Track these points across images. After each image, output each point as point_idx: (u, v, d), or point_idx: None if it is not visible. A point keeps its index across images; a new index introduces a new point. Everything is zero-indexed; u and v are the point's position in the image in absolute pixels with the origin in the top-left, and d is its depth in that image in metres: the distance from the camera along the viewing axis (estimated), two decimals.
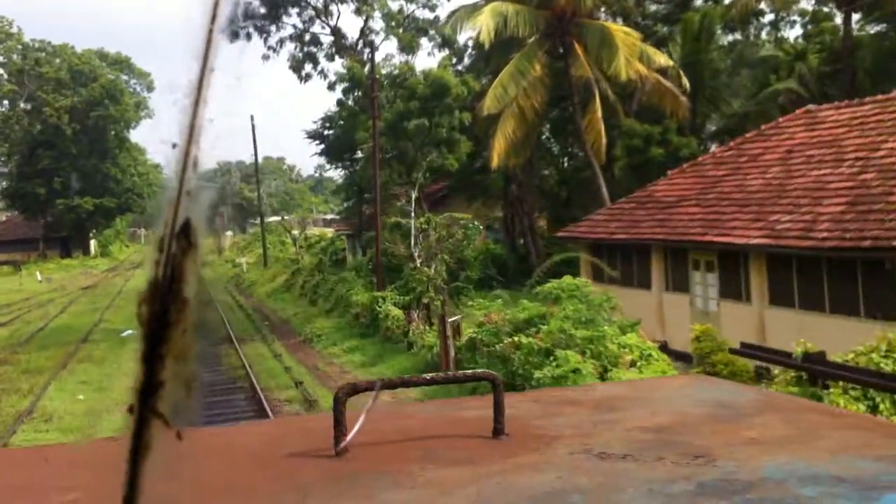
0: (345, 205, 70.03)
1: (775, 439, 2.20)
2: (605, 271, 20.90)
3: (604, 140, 31.45)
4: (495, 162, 31.73)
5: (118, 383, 24.85)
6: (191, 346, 0.83)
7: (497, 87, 31.07)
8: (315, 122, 55.67)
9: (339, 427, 2.12)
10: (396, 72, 33.58)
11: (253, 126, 62.45)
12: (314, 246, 69.61)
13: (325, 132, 55.52)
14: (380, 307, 27.51)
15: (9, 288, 63.20)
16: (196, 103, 0.81)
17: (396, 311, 26.14)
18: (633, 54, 30.33)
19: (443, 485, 1.89)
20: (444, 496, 1.79)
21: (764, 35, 48.50)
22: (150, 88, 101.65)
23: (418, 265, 27.53)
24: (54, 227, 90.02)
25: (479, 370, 2.41)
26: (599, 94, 31.85)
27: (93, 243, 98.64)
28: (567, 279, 17.03)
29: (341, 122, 54.33)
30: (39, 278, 68.54)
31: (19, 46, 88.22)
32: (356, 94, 35.10)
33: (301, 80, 38.22)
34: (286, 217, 76.44)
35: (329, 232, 77.48)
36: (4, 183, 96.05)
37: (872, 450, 2.07)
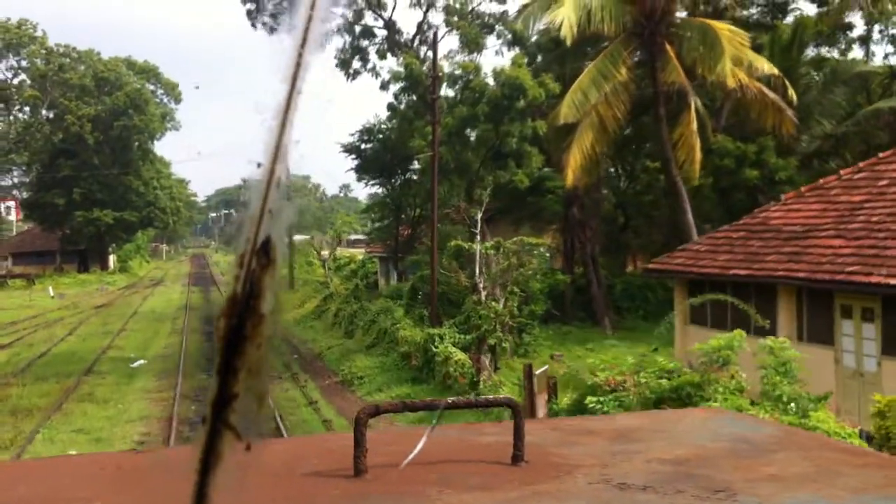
0: (374, 225, 65.89)
1: (796, 476, 2.20)
2: (754, 318, 16.23)
3: (698, 157, 26.88)
4: (570, 180, 27.24)
5: (120, 433, 20.47)
6: (265, 361, 0.84)
7: (576, 93, 26.64)
8: (352, 135, 51.73)
9: (360, 447, 2.14)
10: (459, 71, 29.15)
11: None
12: (343, 268, 65.35)
13: (363, 145, 51.56)
14: (436, 347, 23.00)
15: (18, 303, 59.22)
16: (282, 125, 0.83)
17: (460, 355, 21.55)
18: (740, 58, 25.84)
19: None
20: None
21: (855, 51, 43.91)
22: (177, 100, 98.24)
23: (483, 298, 23.01)
24: (72, 240, 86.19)
25: (501, 396, 2.27)
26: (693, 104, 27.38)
27: (112, 258, 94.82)
28: (738, 334, 12.41)
29: (380, 136, 50.36)
30: (52, 294, 64.61)
31: (43, 51, 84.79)
32: (410, 96, 30.57)
33: (348, 78, 33.67)
34: (315, 236, 72.09)
35: (358, 253, 73.10)
36: (25, 193, 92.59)
37: (894, 490, 2.09)
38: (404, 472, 2.21)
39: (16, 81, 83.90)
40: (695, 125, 26.73)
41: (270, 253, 0.83)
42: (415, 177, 52.20)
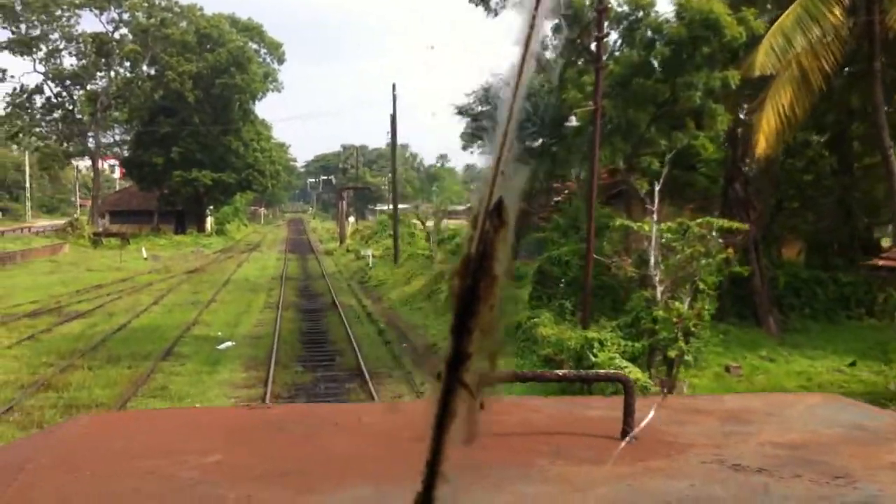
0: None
1: None
2: None
3: None
4: (761, 148, 21.69)
5: None
6: (497, 321, 0.86)
7: (775, 37, 20.98)
8: (468, 95, 46.84)
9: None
10: (626, 7, 23.53)
11: (394, 97, 53.60)
12: (447, 241, 60.75)
13: (479, 107, 46.70)
14: (595, 356, 17.84)
15: (108, 264, 56.38)
16: (516, 89, 0.84)
17: (637, 373, 16.25)
18: None
19: (574, 482, 1.88)
20: (577, 493, 1.79)
21: None
22: (280, 60, 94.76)
23: (658, 295, 17.73)
24: (170, 200, 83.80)
25: (610, 371, 3.17)
26: None
27: (209, 220, 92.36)
28: None
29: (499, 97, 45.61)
30: (145, 255, 61.73)
31: (145, 4, 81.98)
32: (559, 37, 24.95)
33: (489, 13, 28.02)
34: (421, 205, 67.43)
35: (465, 225, 68.37)
36: (127, 151, 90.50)
37: None
38: (513, 443, 2.20)
39: (117, 35, 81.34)
40: None
41: (503, 214, 0.83)
42: (535, 143, 47.19)
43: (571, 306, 23.23)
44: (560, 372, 2.49)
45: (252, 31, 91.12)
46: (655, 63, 21.43)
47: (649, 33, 22.22)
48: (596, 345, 18.08)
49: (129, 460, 2.11)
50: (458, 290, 0.85)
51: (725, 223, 18.55)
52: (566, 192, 46.60)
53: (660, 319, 17.16)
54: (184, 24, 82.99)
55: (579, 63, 24.33)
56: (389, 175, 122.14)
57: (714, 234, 20.21)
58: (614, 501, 1.78)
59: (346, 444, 2.23)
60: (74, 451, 2.23)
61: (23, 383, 20.36)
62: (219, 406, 15.57)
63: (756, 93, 23.97)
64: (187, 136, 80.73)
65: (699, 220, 18.46)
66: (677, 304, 16.96)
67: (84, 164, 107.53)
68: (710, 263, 17.90)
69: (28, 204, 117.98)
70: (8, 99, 79.52)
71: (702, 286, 17.46)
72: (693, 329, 17.41)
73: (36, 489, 1.94)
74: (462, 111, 46.76)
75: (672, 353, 16.90)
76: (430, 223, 59.34)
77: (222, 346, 26.38)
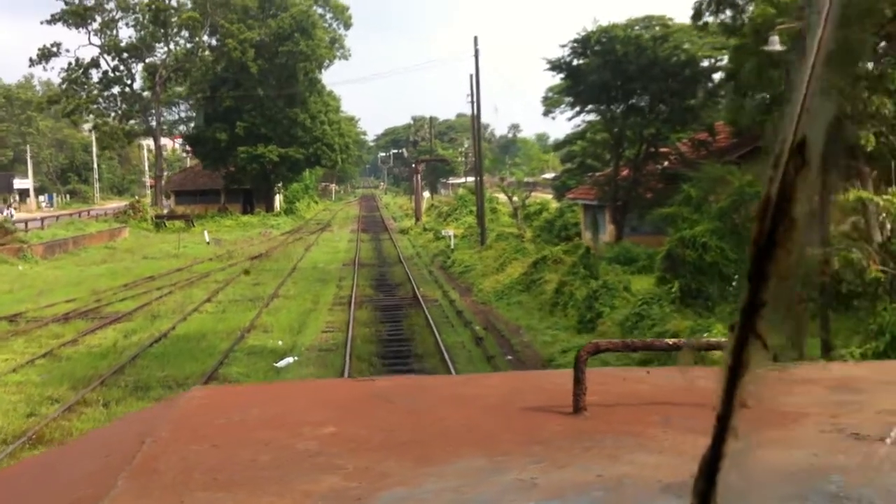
0: (567, 164, 54.53)
1: None
2: None
3: None
4: None
5: None
6: (795, 269, 0.82)
7: None
8: (562, 47, 40.46)
9: (579, 385, 2.13)
10: None
11: (476, 52, 47.15)
12: (535, 217, 54.73)
13: (576, 61, 40.40)
14: None
15: (167, 251, 51.60)
16: (828, 8, 0.79)
17: None
18: None
19: (690, 452, 1.66)
20: (694, 463, 1.56)
21: None
22: (346, 25, 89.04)
23: None
24: (236, 178, 79.09)
25: (721, 339, 2.34)
26: None
27: (278, 198, 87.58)
28: None
29: (597, 47, 39.68)
30: (207, 239, 56.88)
31: None
32: None
33: None
34: (507, 178, 61.11)
35: (549, 199, 62.16)
36: (192, 129, 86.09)
37: None
38: (622, 412, 2.20)
39: (174, 3, 76.44)
40: None
41: (806, 154, 0.79)
42: (640, 102, 40.74)
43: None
44: (670, 341, 2.37)
45: None
46: None
47: None
48: None
49: (247, 432, 2.14)
50: (755, 234, 0.81)
51: None
52: (674, 157, 40.15)
53: None
54: None
55: None
56: (461, 147, 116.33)
57: None
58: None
59: (457, 415, 2.20)
60: (193, 422, 2.25)
61: (6, 434, 14.99)
62: (326, 379, 15.51)
63: None
64: (252, 110, 75.92)
65: None
66: None
67: (151, 143, 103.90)
68: None
69: (97, 186, 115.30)
70: (63, 74, 75.32)
71: None
72: None
73: (161, 460, 1.93)
74: (556, 65, 40.54)
75: None
76: (515, 198, 53.31)
77: (281, 364, 20.82)
